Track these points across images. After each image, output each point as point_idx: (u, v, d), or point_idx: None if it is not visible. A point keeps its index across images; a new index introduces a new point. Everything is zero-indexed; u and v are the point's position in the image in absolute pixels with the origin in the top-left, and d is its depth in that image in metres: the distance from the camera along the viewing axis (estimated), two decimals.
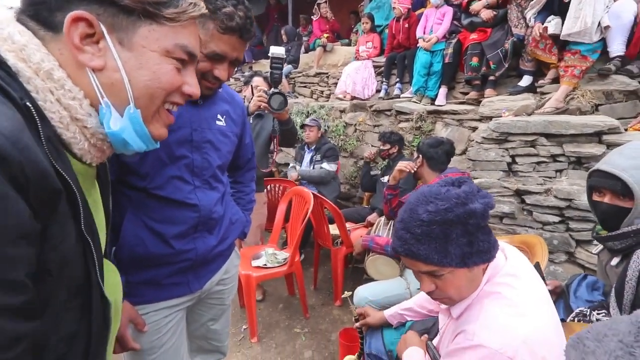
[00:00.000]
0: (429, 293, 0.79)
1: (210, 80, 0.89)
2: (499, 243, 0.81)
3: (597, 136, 2.14)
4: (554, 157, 2.24)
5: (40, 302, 0.41)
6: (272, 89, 1.69)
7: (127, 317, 0.88)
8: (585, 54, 2.47)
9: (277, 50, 1.59)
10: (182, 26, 0.52)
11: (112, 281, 0.62)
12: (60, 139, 0.46)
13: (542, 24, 2.57)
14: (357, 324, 1.40)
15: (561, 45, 2.59)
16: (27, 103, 0.41)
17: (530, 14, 2.72)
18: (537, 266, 1.31)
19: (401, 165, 1.92)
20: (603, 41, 2.48)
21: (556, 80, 2.71)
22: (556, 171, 2.24)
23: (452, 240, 0.71)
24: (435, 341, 0.96)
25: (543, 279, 1.31)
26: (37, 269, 0.40)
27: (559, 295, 1.30)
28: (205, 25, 0.81)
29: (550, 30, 2.55)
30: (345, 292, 1.46)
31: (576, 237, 2.08)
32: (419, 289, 1.85)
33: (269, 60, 1.61)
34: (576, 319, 1.13)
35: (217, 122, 1.01)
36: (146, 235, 0.90)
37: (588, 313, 1.13)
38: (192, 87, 0.57)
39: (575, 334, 0.41)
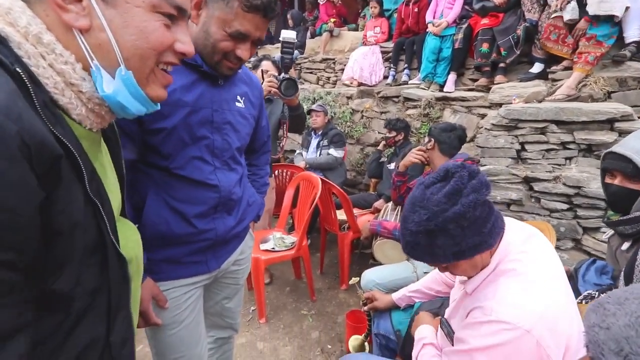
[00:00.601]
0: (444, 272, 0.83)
1: (232, 60, 0.88)
2: (505, 224, 0.83)
3: (609, 123, 2.12)
4: (564, 145, 2.22)
5: (55, 259, 0.42)
6: (283, 74, 1.68)
7: (150, 293, 0.91)
8: (601, 40, 2.41)
9: (288, 35, 1.56)
10: None
11: (132, 239, 0.62)
12: (57, 104, 0.45)
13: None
14: (366, 308, 1.43)
15: (576, 35, 2.53)
16: (17, 69, 0.39)
17: None
18: None
19: (415, 156, 1.91)
20: (619, 27, 2.42)
21: (569, 67, 2.66)
22: (566, 159, 2.23)
23: (438, 246, 0.75)
24: (446, 314, 0.99)
25: None
26: (48, 231, 0.41)
27: (567, 279, 1.32)
28: (230, 3, 0.80)
29: (567, 17, 2.49)
30: (353, 278, 1.48)
31: (584, 224, 2.08)
32: (425, 272, 1.87)
33: (274, 46, 1.59)
34: (584, 301, 1.15)
35: (237, 104, 1.01)
36: (169, 215, 0.92)
37: (596, 296, 1.14)
38: (185, 44, 0.54)
39: (595, 300, 0.42)
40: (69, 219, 0.43)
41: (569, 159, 2.23)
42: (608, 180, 1.13)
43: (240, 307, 1.33)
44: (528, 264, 0.78)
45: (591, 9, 2.35)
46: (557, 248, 2.14)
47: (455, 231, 0.73)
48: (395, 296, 1.39)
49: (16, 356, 0.38)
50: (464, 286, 0.87)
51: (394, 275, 1.86)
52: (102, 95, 0.47)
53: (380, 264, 2.05)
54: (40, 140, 0.38)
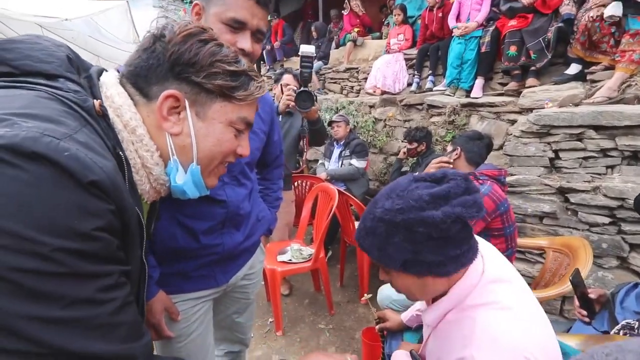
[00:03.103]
0: (386, 281, 0.77)
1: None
2: (471, 254, 0.70)
3: None
4: (604, 152, 2.02)
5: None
6: (301, 87, 1.69)
7: (162, 306, 0.94)
8: None
9: (306, 49, 1.59)
10: (247, 103, 0.62)
11: None
12: (131, 181, 0.55)
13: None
14: (377, 327, 1.37)
15: (619, 36, 2.32)
16: (121, 153, 0.51)
17: None
18: (577, 272, 1.19)
19: (436, 167, 1.78)
20: None
21: (611, 67, 2.44)
22: (607, 167, 2.03)
23: (394, 244, 0.66)
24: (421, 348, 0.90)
25: (582, 285, 1.19)
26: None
27: (604, 305, 1.18)
28: None
29: (608, 13, 2.29)
30: (365, 295, 1.43)
31: (630, 240, 1.87)
32: None
33: (299, 58, 1.62)
34: (622, 332, 1.02)
35: None
36: (178, 231, 0.94)
37: (637, 326, 1.01)
38: (244, 148, 0.66)
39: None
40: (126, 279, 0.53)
41: (611, 167, 2.02)
42: None
43: (252, 321, 1.33)
44: (509, 295, 0.67)
45: None
46: (599, 266, 1.94)
47: (420, 237, 0.64)
48: (404, 316, 1.31)
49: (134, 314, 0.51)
50: (422, 316, 0.78)
51: None
52: (172, 185, 0.60)
53: None
54: (124, 208, 0.47)
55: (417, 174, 0.75)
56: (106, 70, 0.61)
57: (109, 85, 0.56)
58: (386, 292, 1.80)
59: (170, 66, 0.55)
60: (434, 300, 0.76)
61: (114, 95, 0.55)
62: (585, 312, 1.17)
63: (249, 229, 1.07)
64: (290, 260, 2.19)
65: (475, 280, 0.70)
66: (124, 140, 0.54)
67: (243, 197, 1.03)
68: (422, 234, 0.63)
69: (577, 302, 1.20)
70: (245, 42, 0.84)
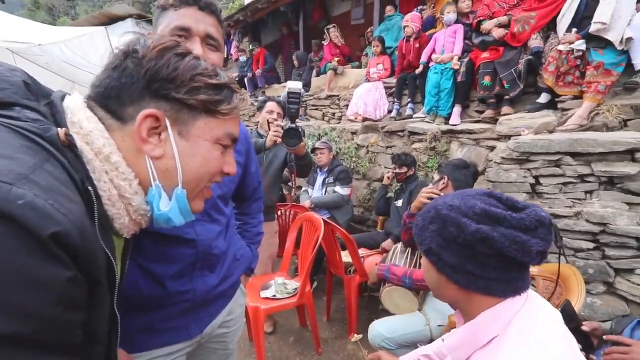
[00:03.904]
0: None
1: None
2: (502, 286, 0.66)
3: (629, 154, 1.98)
4: (581, 177, 2.08)
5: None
6: (288, 124, 1.66)
7: None
8: (609, 68, 2.35)
9: (294, 85, 1.58)
10: (232, 117, 0.58)
11: None
12: (106, 214, 0.50)
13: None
14: None
15: (584, 67, 2.50)
16: (89, 187, 0.45)
17: (562, 26, 2.64)
18: (567, 304, 1.15)
19: (426, 197, 1.77)
20: (627, 54, 2.36)
21: (578, 96, 2.58)
22: (585, 192, 2.08)
23: (429, 230, 0.70)
24: None
25: (575, 317, 1.15)
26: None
27: (602, 340, 1.14)
28: (165, 12, 0.81)
29: (575, 47, 2.45)
30: (355, 335, 1.33)
31: (614, 265, 1.88)
32: (439, 325, 1.69)
33: (280, 85, 1.60)
34: None
35: None
36: (140, 277, 0.83)
37: None
38: (231, 166, 0.62)
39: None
40: (92, 331, 0.47)
41: (590, 192, 2.07)
42: None
43: None
44: (539, 327, 0.63)
45: (594, 19, 2.34)
46: (588, 292, 1.92)
47: (448, 234, 0.66)
48: (404, 358, 1.21)
49: None
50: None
51: (405, 329, 1.68)
52: (157, 214, 0.53)
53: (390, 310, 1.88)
54: (93, 255, 0.42)
55: (489, 190, 0.74)
56: (69, 94, 0.54)
57: (75, 110, 0.50)
58: (378, 329, 1.70)
59: (146, 83, 0.50)
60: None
61: (82, 120, 0.49)
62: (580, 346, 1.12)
63: (224, 269, 0.97)
64: (274, 295, 2.06)
65: (509, 313, 0.65)
66: (96, 170, 0.48)
67: (216, 234, 0.94)
68: (451, 233, 0.66)
69: None
70: (195, 47, 0.81)
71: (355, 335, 1.34)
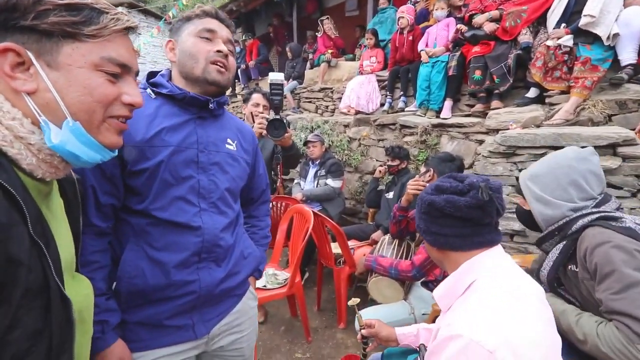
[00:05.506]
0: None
1: (216, 58, 0.93)
2: (491, 247, 0.81)
3: (611, 148, 2.03)
4: None
5: None
6: (272, 115, 1.67)
7: (118, 358, 0.81)
8: (596, 64, 2.38)
9: (275, 77, 1.57)
10: (107, 40, 0.55)
11: (82, 292, 0.63)
12: (6, 155, 0.49)
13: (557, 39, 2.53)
14: (364, 332, 1.24)
15: (571, 62, 2.53)
16: None
17: (552, 20, 2.66)
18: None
19: (413, 189, 1.82)
20: (613, 50, 2.40)
21: (566, 91, 2.62)
22: None
23: (422, 213, 0.86)
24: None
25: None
26: None
27: None
28: (191, 20, 0.94)
29: (562, 42, 2.48)
30: (353, 299, 1.31)
31: None
32: (424, 313, 1.75)
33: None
34: None
35: (227, 146, 0.99)
36: (146, 265, 0.84)
37: None
38: (133, 96, 0.59)
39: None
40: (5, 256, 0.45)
41: None
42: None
43: None
44: (502, 286, 0.74)
45: (584, 12, 2.37)
46: None
47: (419, 209, 0.87)
48: (400, 329, 1.21)
49: None
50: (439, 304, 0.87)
51: (391, 317, 1.73)
52: (50, 147, 0.51)
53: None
54: None
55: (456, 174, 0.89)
56: None
57: None
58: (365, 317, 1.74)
59: None
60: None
61: None
62: None
63: (231, 265, 0.96)
64: (264, 286, 2.10)
65: (478, 270, 0.77)
66: None
67: (223, 226, 0.94)
68: (420, 207, 0.86)
69: None
70: (220, 46, 0.93)
71: (353, 299, 1.32)
